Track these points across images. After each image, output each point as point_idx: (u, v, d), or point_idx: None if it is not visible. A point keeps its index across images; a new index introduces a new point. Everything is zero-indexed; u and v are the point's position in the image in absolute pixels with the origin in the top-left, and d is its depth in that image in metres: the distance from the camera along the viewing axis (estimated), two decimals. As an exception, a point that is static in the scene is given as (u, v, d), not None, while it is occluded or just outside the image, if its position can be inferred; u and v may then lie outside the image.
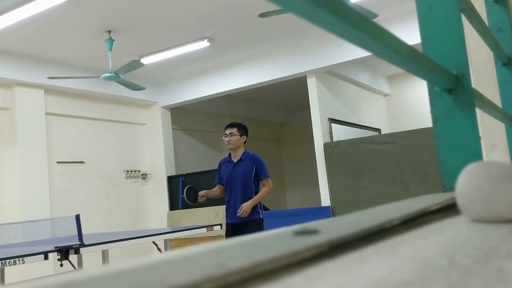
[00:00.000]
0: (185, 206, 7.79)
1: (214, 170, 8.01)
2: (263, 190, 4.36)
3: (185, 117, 8.94)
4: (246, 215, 4.23)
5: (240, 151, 4.39)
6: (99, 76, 5.79)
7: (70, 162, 6.97)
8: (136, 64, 5.59)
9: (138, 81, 7.62)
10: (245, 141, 4.42)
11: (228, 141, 4.36)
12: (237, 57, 7.26)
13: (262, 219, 4.35)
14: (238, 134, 4.35)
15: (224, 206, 4.45)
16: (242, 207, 4.21)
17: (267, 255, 0.35)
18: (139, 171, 8.06)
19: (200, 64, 7.41)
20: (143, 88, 6.23)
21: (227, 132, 4.39)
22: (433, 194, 0.88)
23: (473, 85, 0.96)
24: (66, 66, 6.69)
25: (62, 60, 6.59)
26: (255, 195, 4.30)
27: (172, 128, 8.43)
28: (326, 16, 0.47)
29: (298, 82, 7.28)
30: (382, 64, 8.32)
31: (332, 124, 7.12)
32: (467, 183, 0.60)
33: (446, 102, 0.94)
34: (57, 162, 6.78)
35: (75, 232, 3.47)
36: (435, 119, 0.95)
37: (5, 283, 4.33)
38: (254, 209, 4.29)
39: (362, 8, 4.40)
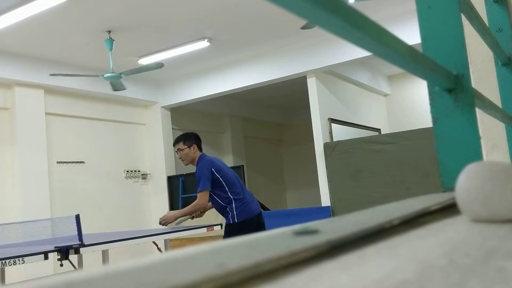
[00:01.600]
0: (185, 206, 7.78)
1: (214, 170, 8.02)
2: (189, 206, 4.07)
3: (185, 117, 8.94)
4: (164, 224, 4.07)
5: (196, 161, 4.15)
6: (101, 75, 5.76)
7: (70, 162, 6.97)
8: (156, 65, 5.62)
9: (138, 81, 7.63)
10: (199, 148, 4.17)
11: (180, 157, 4.19)
12: (237, 57, 7.26)
13: (232, 224, 4.01)
14: (186, 146, 4.11)
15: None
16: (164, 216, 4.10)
17: (267, 255, 0.35)
18: (139, 171, 8.06)
19: (200, 64, 7.41)
20: (124, 89, 6.08)
21: (175, 149, 4.19)
22: (433, 194, 0.88)
23: (473, 85, 0.96)
24: (66, 66, 6.69)
25: (62, 60, 6.59)
26: (223, 202, 4.03)
27: (172, 128, 8.43)
28: (326, 16, 0.47)
29: (298, 82, 7.28)
30: (382, 64, 8.32)
31: (332, 124, 7.12)
32: (467, 183, 0.60)
33: (446, 102, 0.94)
34: (57, 162, 6.78)
35: (75, 232, 3.47)
36: (435, 119, 0.95)
37: (5, 283, 4.33)
38: (225, 213, 4.07)
39: None
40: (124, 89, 6.02)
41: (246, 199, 4.06)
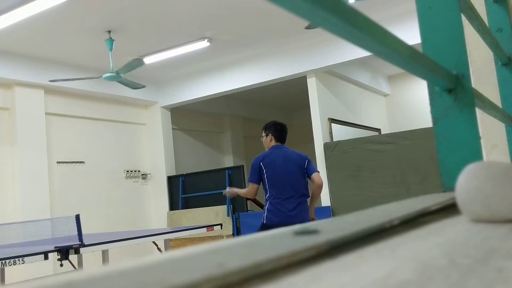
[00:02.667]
0: (185, 206, 7.79)
1: (214, 170, 8.06)
2: (245, 189, 4.30)
3: (185, 117, 8.94)
4: (228, 195, 4.49)
5: None
6: (100, 77, 5.79)
7: (70, 162, 6.97)
8: (137, 63, 5.59)
9: (138, 81, 7.63)
10: (277, 138, 4.18)
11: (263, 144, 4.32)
12: (237, 57, 7.26)
13: (262, 224, 4.05)
14: (264, 134, 4.23)
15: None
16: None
17: (267, 255, 0.35)
18: (139, 171, 8.06)
19: (200, 64, 7.41)
20: (143, 86, 6.22)
21: None
22: (433, 194, 0.88)
23: (473, 85, 0.96)
24: (66, 66, 6.69)
25: (62, 60, 6.60)
26: (265, 197, 4.12)
27: (172, 128, 8.43)
28: (326, 16, 0.47)
29: (298, 82, 7.28)
30: (382, 64, 8.32)
31: (332, 124, 7.12)
32: (467, 183, 0.60)
33: (446, 102, 0.94)
34: (57, 162, 6.78)
35: (75, 232, 3.47)
36: (435, 119, 0.95)
37: (5, 283, 4.33)
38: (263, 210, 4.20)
39: None
40: (143, 86, 6.08)
41: (282, 203, 3.99)
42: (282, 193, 3.99)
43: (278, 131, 4.19)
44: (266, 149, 4.18)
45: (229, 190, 4.46)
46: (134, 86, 6.05)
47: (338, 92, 7.64)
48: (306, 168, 4.12)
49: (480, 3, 1.76)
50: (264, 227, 3.96)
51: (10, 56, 6.13)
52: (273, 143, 4.16)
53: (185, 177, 7.88)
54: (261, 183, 4.09)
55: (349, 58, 6.50)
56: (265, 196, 4.05)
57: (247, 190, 4.18)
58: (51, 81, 5.95)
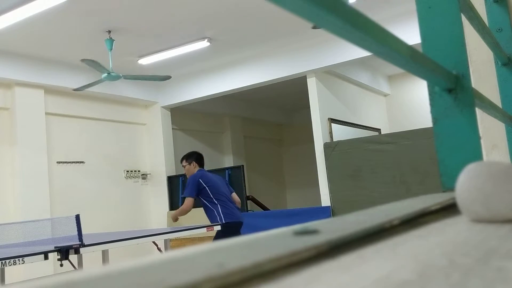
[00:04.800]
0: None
1: (214, 170, 8.06)
2: (179, 209, 4.83)
3: (185, 117, 8.94)
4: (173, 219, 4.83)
5: None
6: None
7: (70, 162, 6.97)
8: (163, 77, 5.95)
9: (138, 81, 7.63)
10: (199, 164, 4.99)
11: (185, 172, 5.07)
12: (237, 57, 7.26)
13: (225, 223, 4.67)
14: (187, 163, 4.99)
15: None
16: None
17: (267, 255, 0.35)
18: (139, 171, 8.06)
19: (200, 64, 7.41)
20: (169, 77, 6.23)
21: (182, 165, 5.08)
22: (433, 194, 0.88)
23: (473, 85, 0.96)
24: (66, 66, 6.69)
25: (62, 60, 6.59)
26: (211, 206, 4.79)
27: (172, 128, 8.43)
28: (326, 16, 0.47)
29: (298, 82, 7.28)
30: (382, 64, 8.32)
31: (332, 124, 7.12)
32: (467, 183, 0.60)
33: (446, 102, 0.94)
34: (57, 162, 6.78)
35: (75, 232, 3.47)
36: (435, 119, 0.95)
37: (5, 283, 4.33)
38: (213, 216, 4.79)
39: None
40: (169, 77, 6.23)
41: (230, 207, 4.85)
42: (226, 201, 4.84)
43: (199, 159, 5.04)
44: (190, 174, 4.92)
45: (172, 215, 4.87)
46: (158, 78, 6.12)
47: (338, 92, 7.64)
48: (228, 185, 5.14)
49: (480, 3, 1.76)
50: (228, 225, 4.67)
51: (10, 56, 6.13)
52: (197, 168, 4.97)
53: (185, 177, 7.87)
54: (199, 197, 4.81)
55: (349, 58, 6.50)
56: (211, 205, 4.78)
57: (184, 206, 4.71)
58: (75, 90, 6.12)
